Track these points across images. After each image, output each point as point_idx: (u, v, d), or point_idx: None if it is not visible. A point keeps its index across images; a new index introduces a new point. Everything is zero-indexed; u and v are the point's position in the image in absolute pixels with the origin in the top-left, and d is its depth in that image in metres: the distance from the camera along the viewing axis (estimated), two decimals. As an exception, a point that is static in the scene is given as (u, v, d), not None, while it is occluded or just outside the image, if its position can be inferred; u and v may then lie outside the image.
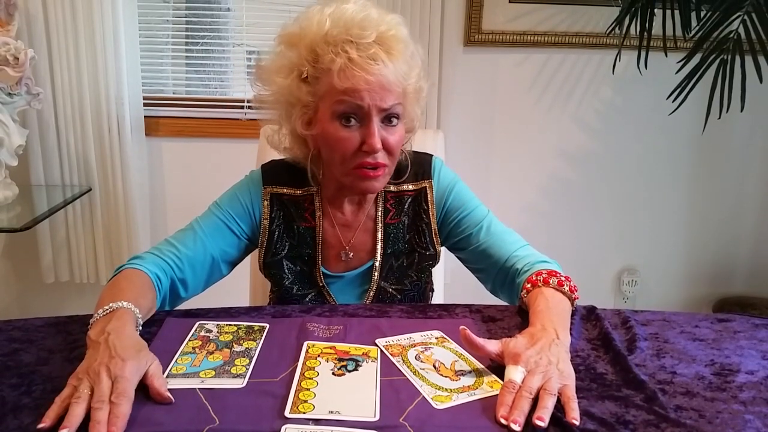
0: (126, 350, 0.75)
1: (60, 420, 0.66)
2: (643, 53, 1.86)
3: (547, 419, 0.69)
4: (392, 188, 1.12)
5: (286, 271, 1.12)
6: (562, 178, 2.39)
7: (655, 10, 1.85)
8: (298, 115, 1.03)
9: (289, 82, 1.01)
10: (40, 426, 0.66)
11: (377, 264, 1.12)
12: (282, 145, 1.10)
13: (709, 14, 1.76)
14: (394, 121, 1.00)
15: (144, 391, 0.73)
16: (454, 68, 2.18)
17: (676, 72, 1.84)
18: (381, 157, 1.00)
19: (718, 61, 1.76)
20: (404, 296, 1.14)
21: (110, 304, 0.84)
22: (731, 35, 1.73)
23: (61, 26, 2.01)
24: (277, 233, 1.11)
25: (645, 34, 1.86)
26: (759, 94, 1.82)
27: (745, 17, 1.70)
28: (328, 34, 0.96)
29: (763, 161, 2.40)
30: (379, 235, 1.12)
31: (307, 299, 1.13)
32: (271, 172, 1.12)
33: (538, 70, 2.28)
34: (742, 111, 1.73)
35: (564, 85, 2.29)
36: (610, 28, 1.94)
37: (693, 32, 1.79)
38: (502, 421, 0.69)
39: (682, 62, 1.83)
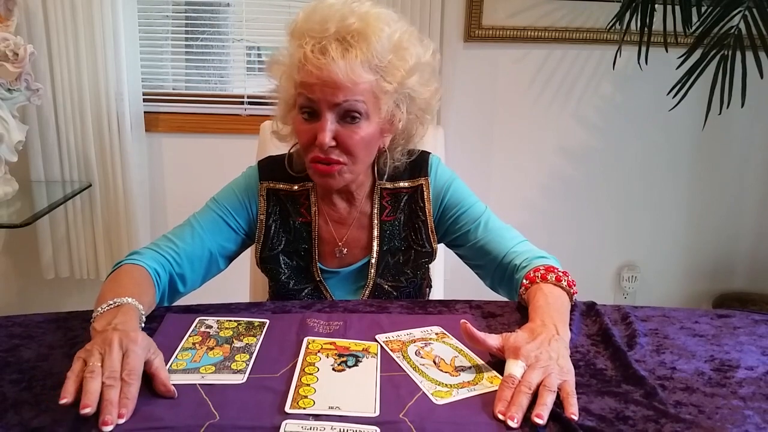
0: (136, 331, 0.77)
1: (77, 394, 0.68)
2: (643, 49, 1.86)
3: (545, 417, 0.69)
4: (388, 185, 1.12)
5: (283, 266, 1.12)
6: (562, 174, 2.39)
7: (656, 6, 1.85)
8: (284, 105, 1.06)
9: (282, 72, 1.03)
10: (62, 401, 0.67)
11: (373, 261, 1.12)
12: (281, 132, 1.11)
13: (709, 10, 1.76)
14: (357, 119, 0.98)
15: (145, 386, 0.73)
16: (454, 64, 2.17)
17: (677, 68, 1.84)
18: (335, 154, 0.99)
19: (718, 56, 1.76)
20: (400, 293, 1.14)
21: (114, 299, 0.84)
22: (732, 31, 1.73)
23: (61, 22, 2.01)
24: (273, 228, 1.11)
25: (645, 29, 1.85)
26: (759, 90, 1.82)
27: (746, 13, 1.70)
28: (299, 28, 0.98)
29: (763, 157, 2.39)
30: (375, 232, 1.12)
31: (303, 294, 1.13)
32: (268, 168, 1.12)
33: (538, 66, 2.27)
34: (742, 107, 1.73)
35: (564, 81, 2.29)
36: (611, 24, 1.94)
37: (693, 28, 1.79)
38: (500, 416, 0.69)
39: (683, 58, 1.83)
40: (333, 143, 0.98)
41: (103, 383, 0.68)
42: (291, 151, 1.12)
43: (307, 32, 0.95)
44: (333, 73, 0.93)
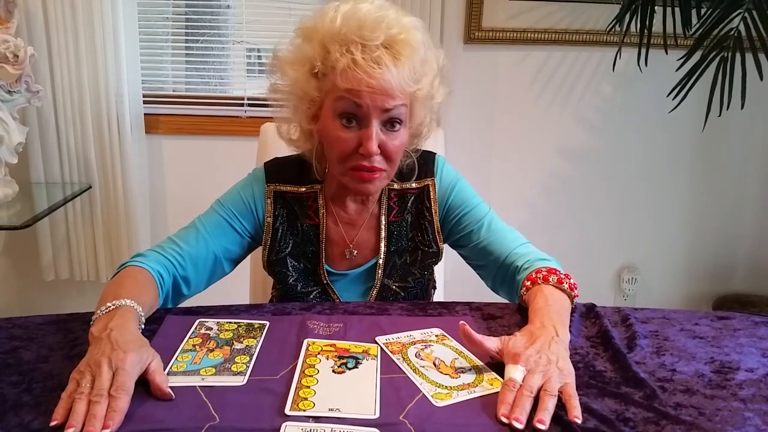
0: (128, 343, 0.76)
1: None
2: (643, 51, 1.86)
3: (547, 421, 0.69)
4: (395, 186, 1.12)
5: (290, 268, 1.12)
6: (562, 176, 2.39)
7: (656, 8, 1.85)
8: (305, 109, 1.03)
9: (300, 75, 1.01)
10: (52, 423, 0.67)
11: (381, 262, 1.12)
12: (289, 136, 1.10)
13: (709, 12, 1.75)
14: (396, 126, 0.99)
15: (145, 387, 0.73)
16: (455, 66, 2.17)
17: (677, 69, 1.84)
18: (378, 161, 0.99)
19: (718, 58, 1.76)
20: (407, 293, 1.15)
21: (113, 302, 0.84)
22: (731, 33, 1.73)
23: (61, 24, 2.01)
24: (280, 231, 1.11)
25: (645, 31, 1.85)
26: (759, 92, 1.82)
27: (746, 15, 1.70)
28: (338, 32, 0.96)
29: (763, 159, 2.39)
30: (383, 233, 1.12)
31: (311, 297, 1.13)
32: (275, 170, 1.12)
33: (538, 68, 2.27)
34: (742, 108, 1.73)
35: (564, 82, 2.29)
36: (611, 26, 1.94)
37: (693, 30, 1.79)
38: (503, 419, 0.69)
39: (683, 60, 1.83)
40: (378, 151, 0.98)
41: (90, 400, 0.68)
42: (306, 155, 1.10)
43: (351, 36, 0.94)
44: (386, 81, 0.94)
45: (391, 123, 0.98)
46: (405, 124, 1.01)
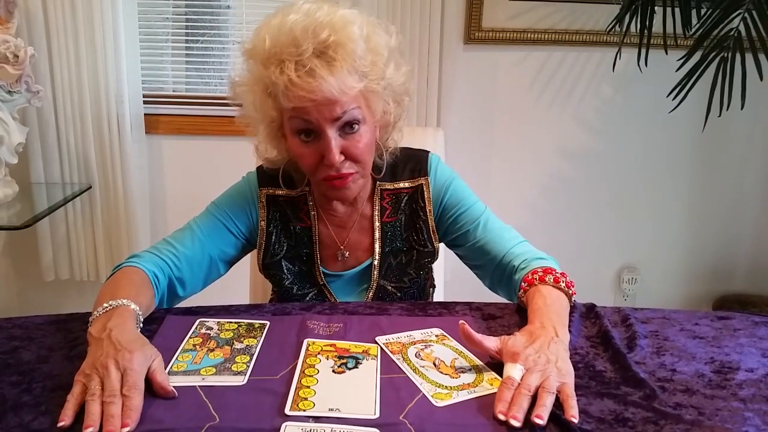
0: (131, 343, 0.76)
1: (77, 417, 0.67)
2: (643, 51, 1.86)
3: (545, 417, 0.69)
4: (388, 186, 1.12)
5: (285, 271, 1.12)
6: (562, 176, 2.39)
7: (656, 8, 1.85)
8: (269, 130, 1.02)
9: (256, 97, 0.99)
10: (61, 424, 0.67)
11: (376, 263, 1.12)
12: (266, 155, 1.08)
13: (709, 12, 1.75)
14: (355, 127, 0.97)
15: (145, 387, 0.73)
16: (454, 66, 2.18)
17: (677, 70, 1.84)
18: (346, 166, 0.98)
19: (718, 59, 1.75)
20: (404, 294, 1.14)
21: (110, 302, 0.84)
22: (731, 33, 1.73)
23: (61, 24, 2.01)
24: (274, 234, 1.11)
25: (645, 31, 1.85)
26: (759, 92, 1.82)
27: (746, 15, 1.70)
28: (270, 53, 0.93)
29: (763, 159, 2.39)
30: (377, 234, 1.12)
31: (308, 298, 1.13)
32: (267, 174, 1.12)
33: (538, 68, 2.27)
34: (742, 109, 1.73)
35: (564, 83, 2.29)
36: (611, 26, 1.94)
37: (693, 30, 1.79)
38: (500, 417, 0.69)
39: (683, 60, 1.83)
40: (342, 158, 0.97)
41: (103, 402, 0.68)
42: (283, 167, 1.09)
43: (282, 55, 0.91)
44: (326, 92, 0.91)
45: (349, 126, 0.96)
46: (364, 122, 0.98)
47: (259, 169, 1.13)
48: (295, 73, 0.90)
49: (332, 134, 0.95)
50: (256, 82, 0.98)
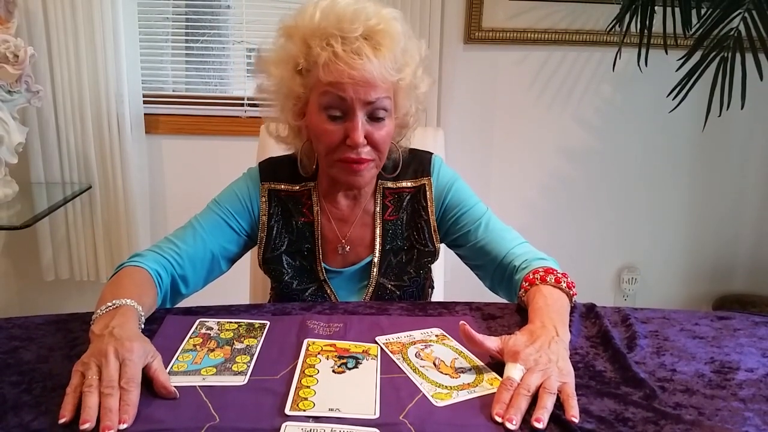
0: (132, 338, 0.76)
1: (78, 412, 0.67)
2: (643, 51, 1.86)
3: (545, 420, 0.69)
4: (390, 185, 1.13)
5: (286, 266, 1.12)
6: (562, 176, 2.39)
7: (656, 8, 1.85)
8: (291, 106, 1.04)
9: (285, 74, 1.02)
10: (62, 421, 0.66)
11: (376, 260, 1.12)
12: (278, 133, 1.11)
13: (709, 12, 1.75)
14: (382, 115, 1.00)
15: (145, 387, 0.73)
16: (454, 66, 2.18)
17: (677, 69, 1.84)
18: (365, 152, 1.00)
19: (718, 58, 1.76)
20: (403, 292, 1.15)
21: (113, 301, 0.84)
22: (731, 33, 1.73)
23: (61, 24, 2.01)
24: (276, 229, 1.11)
25: (645, 31, 1.85)
26: (759, 92, 1.81)
27: (746, 15, 1.70)
28: (317, 27, 0.97)
29: (763, 159, 2.40)
30: (378, 231, 1.12)
31: (307, 294, 1.13)
32: (269, 169, 1.13)
33: (538, 68, 2.27)
34: (742, 109, 1.73)
35: (564, 82, 2.29)
36: (611, 26, 1.94)
37: (693, 30, 1.79)
38: (497, 418, 0.69)
39: (683, 60, 1.83)
40: (365, 141, 0.99)
41: (101, 393, 0.68)
42: (296, 153, 1.11)
43: (330, 30, 0.95)
44: (368, 72, 0.95)
45: (376, 114, 0.99)
46: (390, 115, 1.02)
47: (262, 163, 1.14)
48: (342, 48, 0.94)
49: (361, 116, 0.98)
50: (287, 60, 1.01)
